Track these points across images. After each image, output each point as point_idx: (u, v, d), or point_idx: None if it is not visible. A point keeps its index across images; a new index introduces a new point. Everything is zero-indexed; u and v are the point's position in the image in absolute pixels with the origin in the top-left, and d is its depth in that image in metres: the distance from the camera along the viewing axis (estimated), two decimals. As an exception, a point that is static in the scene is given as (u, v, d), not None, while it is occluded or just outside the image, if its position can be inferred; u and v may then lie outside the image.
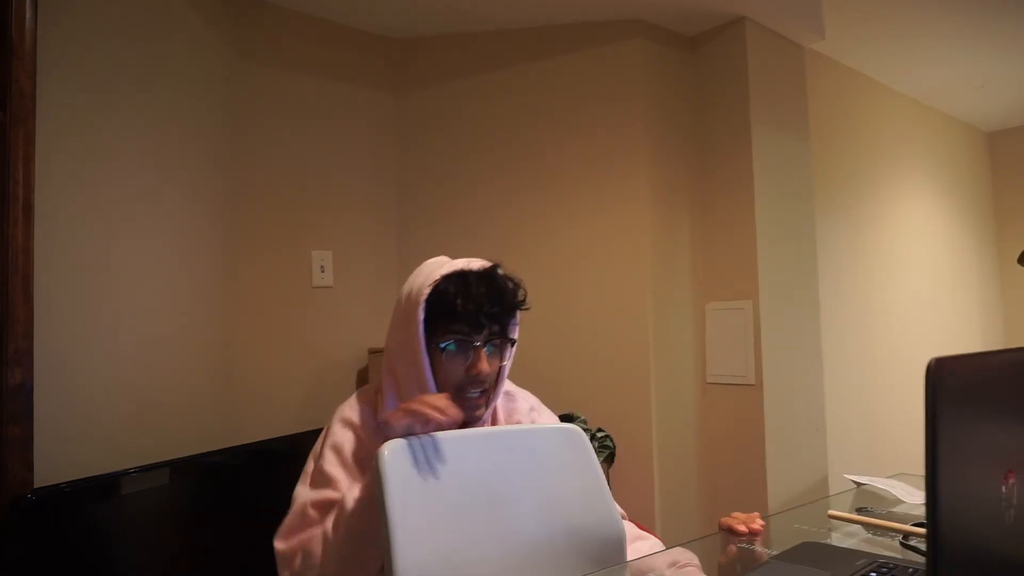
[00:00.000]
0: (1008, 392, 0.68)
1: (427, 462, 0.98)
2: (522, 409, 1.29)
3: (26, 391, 1.40)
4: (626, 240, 2.27)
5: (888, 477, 1.50)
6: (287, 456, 1.91)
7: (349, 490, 1.05)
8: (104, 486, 1.45)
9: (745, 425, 2.25)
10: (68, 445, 1.50)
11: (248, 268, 2.12)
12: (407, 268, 2.53)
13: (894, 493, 1.37)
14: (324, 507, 1.09)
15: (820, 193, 2.80)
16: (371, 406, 1.20)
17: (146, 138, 1.76)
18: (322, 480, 1.12)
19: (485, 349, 1.14)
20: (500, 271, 1.21)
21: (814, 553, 1.02)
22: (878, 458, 3.04)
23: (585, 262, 2.34)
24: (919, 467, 0.64)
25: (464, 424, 1.13)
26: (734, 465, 2.28)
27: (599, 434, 2.05)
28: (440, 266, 1.18)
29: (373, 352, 2.28)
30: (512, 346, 1.20)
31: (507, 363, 1.20)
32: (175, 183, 1.85)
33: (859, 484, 1.47)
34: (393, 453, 0.95)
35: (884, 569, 0.91)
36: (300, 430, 2.11)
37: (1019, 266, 3.33)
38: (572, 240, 2.36)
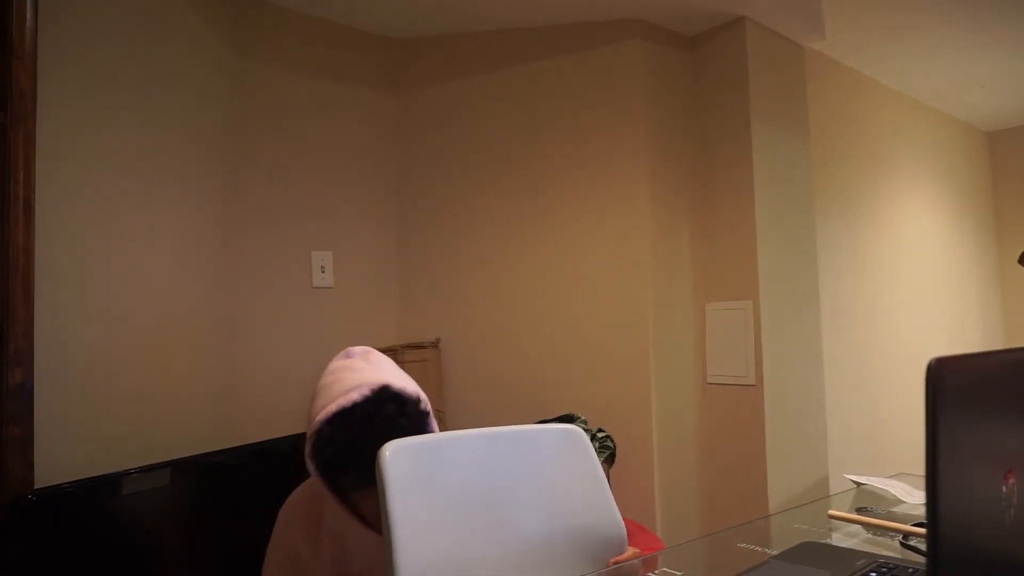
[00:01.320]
0: (1008, 392, 0.68)
1: (428, 463, 0.98)
2: None
3: (26, 391, 1.40)
4: (626, 240, 2.27)
5: (888, 477, 1.50)
6: (288, 456, 1.91)
7: None
8: (104, 486, 1.45)
9: (745, 425, 2.25)
10: (68, 445, 1.50)
11: (248, 268, 2.12)
12: (407, 268, 2.55)
13: (894, 493, 1.37)
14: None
15: (820, 193, 2.80)
16: (317, 520, 1.19)
17: (146, 138, 1.76)
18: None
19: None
20: (390, 389, 1.10)
21: (814, 553, 1.02)
22: (878, 458, 3.04)
23: (585, 262, 2.34)
24: (919, 467, 0.64)
25: None
26: (734, 465, 2.28)
27: (599, 434, 2.05)
28: (323, 406, 1.09)
29: (373, 352, 2.28)
30: (428, 429, 1.14)
31: None
32: (175, 183, 1.85)
33: (859, 484, 1.47)
34: (394, 454, 0.95)
35: (884, 569, 0.91)
36: (300, 430, 2.11)
37: (1019, 266, 3.33)
38: (572, 239, 2.36)
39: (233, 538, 1.66)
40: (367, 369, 1.12)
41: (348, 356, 1.18)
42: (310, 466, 1.09)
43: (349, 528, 1.12)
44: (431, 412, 1.15)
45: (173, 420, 1.78)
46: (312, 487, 1.20)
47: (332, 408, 1.07)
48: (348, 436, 1.07)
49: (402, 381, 1.13)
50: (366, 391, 1.08)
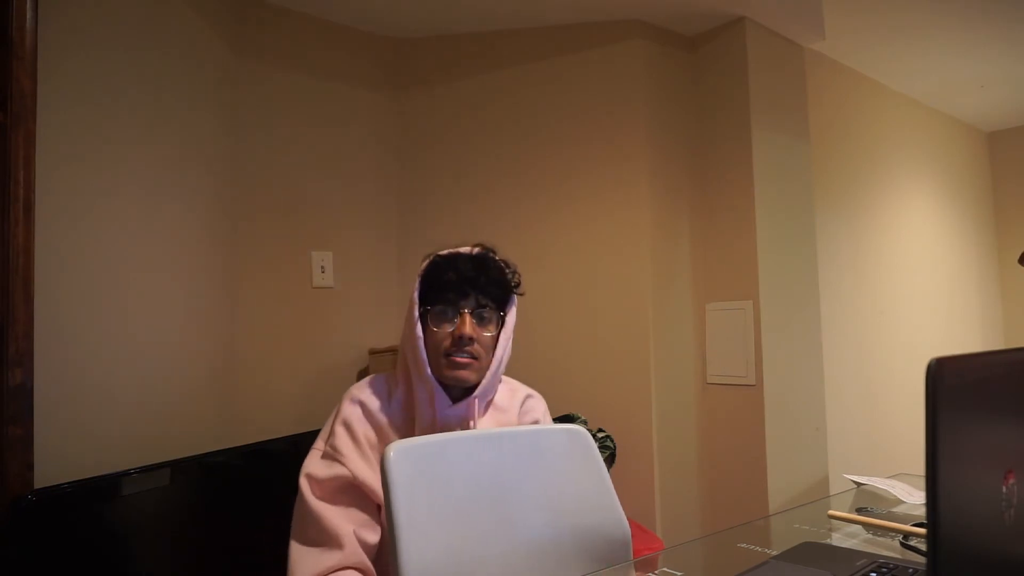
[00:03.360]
0: (1008, 392, 0.68)
1: (432, 463, 0.99)
2: (513, 401, 1.33)
3: (26, 391, 1.40)
4: (626, 240, 2.27)
5: (888, 477, 1.50)
6: (288, 457, 1.91)
7: None
8: (104, 487, 1.45)
9: (745, 425, 2.25)
10: (68, 445, 1.50)
11: (248, 268, 2.12)
12: (407, 268, 2.55)
13: (894, 493, 1.37)
14: (334, 487, 1.13)
15: (820, 193, 2.80)
16: (385, 390, 1.25)
17: (146, 138, 1.76)
18: (331, 454, 1.17)
19: (471, 315, 1.21)
20: (492, 254, 1.29)
21: (814, 553, 1.02)
22: (878, 458, 3.04)
23: (585, 262, 2.34)
24: (919, 467, 0.64)
25: (450, 384, 1.19)
26: (734, 465, 2.28)
27: (599, 434, 2.05)
28: (442, 250, 1.29)
29: (373, 352, 2.28)
30: (504, 320, 1.26)
31: (499, 335, 1.25)
32: (175, 183, 1.85)
33: (859, 484, 1.47)
34: (399, 454, 0.95)
35: (884, 569, 0.91)
36: (301, 431, 2.11)
37: (1019, 266, 3.33)
38: (572, 239, 2.36)
39: (233, 538, 1.66)
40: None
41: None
42: (416, 286, 1.24)
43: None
44: (519, 289, 1.31)
45: (173, 420, 1.78)
46: (378, 379, 1.29)
47: (445, 252, 1.26)
48: (452, 267, 1.23)
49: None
50: (479, 247, 1.29)
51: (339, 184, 2.36)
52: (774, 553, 1.03)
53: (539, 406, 1.37)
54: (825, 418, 2.47)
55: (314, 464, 1.17)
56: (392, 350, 2.18)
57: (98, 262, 1.61)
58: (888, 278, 3.26)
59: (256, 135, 2.17)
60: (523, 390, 1.36)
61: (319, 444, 1.22)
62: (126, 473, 1.49)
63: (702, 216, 2.40)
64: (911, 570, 0.91)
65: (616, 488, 1.15)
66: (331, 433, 1.20)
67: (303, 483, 1.16)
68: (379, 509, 1.14)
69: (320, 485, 1.14)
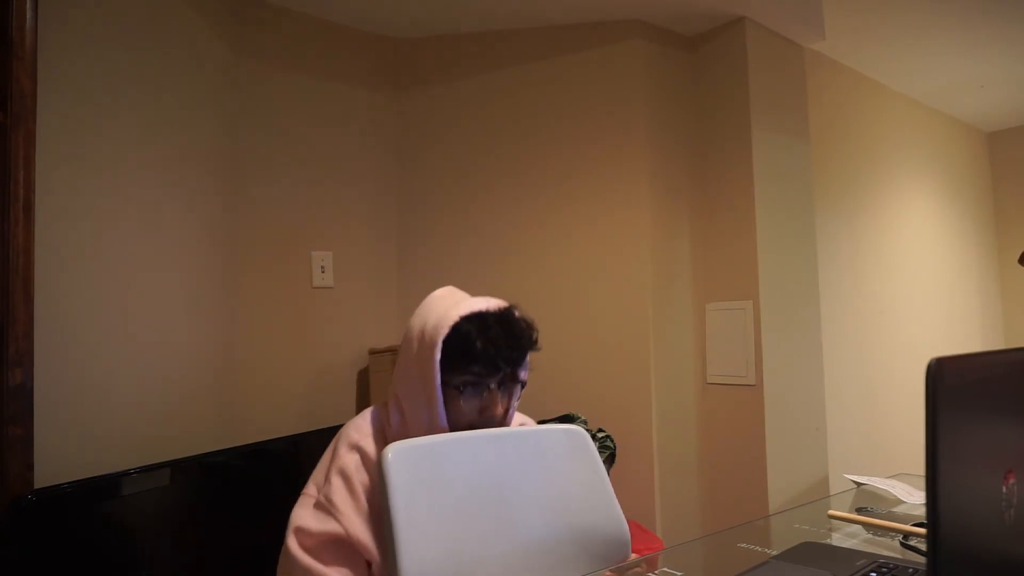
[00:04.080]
0: (1008, 392, 0.68)
1: (431, 463, 0.98)
2: None
3: (26, 391, 1.40)
4: (626, 240, 2.27)
5: (888, 477, 1.50)
6: (288, 456, 1.91)
7: None
8: (104, 487, 1.45)
9: (745, 425, 2.25)
10: (68, 445, 1.50)
11: (248, 269, 2.12)
12: (407, 269, 2.55)
13: (894, 493, 1.37)
14: (324, 541, 1.07)
15: (820, 193, 2.80)
16: (382, 432, 1.17)
17: (146, 137, 1.76)
18: (325, 506, 1.09)
19: (498, 391, 1.15)
20: (516, 313, 1.20)
21: (814, 553, 1.02)
22: (878, 458, 3.04)
23: (584, 262, 2.34)
24: (919, 467, 0.64)
25: None
26: (734, 465, 2.28)
27: (599, 434, 2.05)
28: (454, 304, 1.16)
29: (373, 352, 2.28)
30: (521, 388, 1.21)
31: (515, 403, 1.21)
32: (175, 183, 1.85)
33: (859, 484, 1.47)
34: (397, 455, 0.95)
35: (884, 569, 0.91)
36: (301, 430, 2.11)
37: (1019, 266, 3.33)
38: (572, 239, 2.36)
39: (233, 538, 1.66)
40: (481, 299, 1.20)
41: (448, 289, 1.24)
42: (437, 354, 1.10)
43: None
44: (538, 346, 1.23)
45: (173, 420, 1.78)
46: (374, 420, 1.20)
47: (465, 310, 1.13)
48: (482, 334, 1.12)
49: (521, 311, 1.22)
50: (502, 304, 1.18)
51: (339, 184, 2.36)
52: (774, 553, 1.03)
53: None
54: (825, 418, 2.47)
55: (306, 516, 1.10)
56: (392, 350, 2.18)
57: (98, 262, 1.61)
58: (888, 278, 3.26)
59: (256, 135, 2.17)
60: (518, 417, 1.32)
61: (311, 490, 1.15)
62: (126, 473, 1.49)
63: (702, 216, 2.40)
64: (911, 570, 0.91)
65: (616, 488, 1.15)
66: (327, 481, 1.12)
67: (292, 539, 1.09)
68: (369, 566, 1.08)
69: (310, 538, 1.08)
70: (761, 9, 2.28)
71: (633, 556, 1.15)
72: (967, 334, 3.78)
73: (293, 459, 1.92)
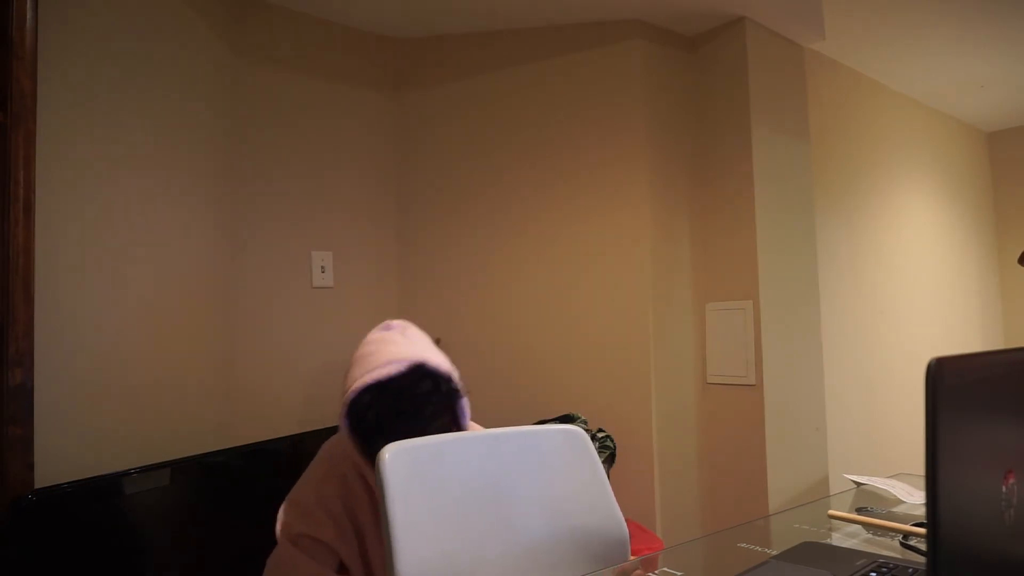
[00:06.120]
0: (1008, 392, 0.68)
1: (428, 464, 0.98)
2: None
3: (26, 391, 1.40)
4: (626, 240, 2.27)
5: (888, 477, 1.49)
6: (288, 457, 1.91)
7: None
8: (104, 486, 1.45)
9: (745, 425, 2.25)
10: (68, 445, 1.50)
11: (248, 268, 2.12)
12: (407, 268, 2.55)
13: (894, 493, 1.37)
14: (308, 544, 1.17)
15: (820, 193, 2.80)
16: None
17: (146, 137, 1.76)
18: (305, 514, 1.19)
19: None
20: (428, 366, 1.16)
21: (814, 553, 1.02)
22: (878, 458, 3.04)
23: (585, 262, 2.34)
24: (919, 467, 0.64)
25: None
26: (734, 465, 2.28)
27: (599, 434, 2.05)
28: (366, 369, 1.14)
29: (373, 352, 2.28)
30: (459, 407, 1.20)
31: (463, 417, 1.20)
32: (175, 182, 1.85)
33: (859, 484, 1.47)
34: (394, 455, 0.95)
35: (884, 569, 0.91)
36: (301, 431, 2.11)
37: (1019, 266, 3.33)
38: (572, 239, 2.36)
39: (233, 538, 1.66)
40: (404, 344, 1.17)
41: (387, 328, 1.23)
42: (344, 430, 1.15)
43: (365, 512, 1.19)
44: (462, 391, 1.20)
45: (173, 420, 1.78)
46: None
47: (369, 379, 1.12)
48: (383, 406, 1.12)
49: (437, 359, 1.18)
50: (403, 366, 1.14)
51: (339, 184, 2.36)
52: (774, 553, 1.03)
53: None
54: (825, 418, 2.47)
55: (288, 518, 1.21)
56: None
57: (98, 262, 1.62)
58: (888, 278, 3.25)
59: (256, 135, 2.17)
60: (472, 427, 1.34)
61: (294, 495, 1.25)
62: (126, 473, 1.49)
63: (702, 216, 2.40)
64: (911, 570, 0.91)
65: (616, 488, 1.15)
66: (304, 489, 1.22)
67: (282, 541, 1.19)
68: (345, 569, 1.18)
69: (291, 533, 1.18)
70: (761, 9, 2.28)
71: (632, 557, 1.15)
72: (967, 334, 3.78)
73: (293, 459, 1.92)
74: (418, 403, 1.15)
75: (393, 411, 1.13)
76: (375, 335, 1.22)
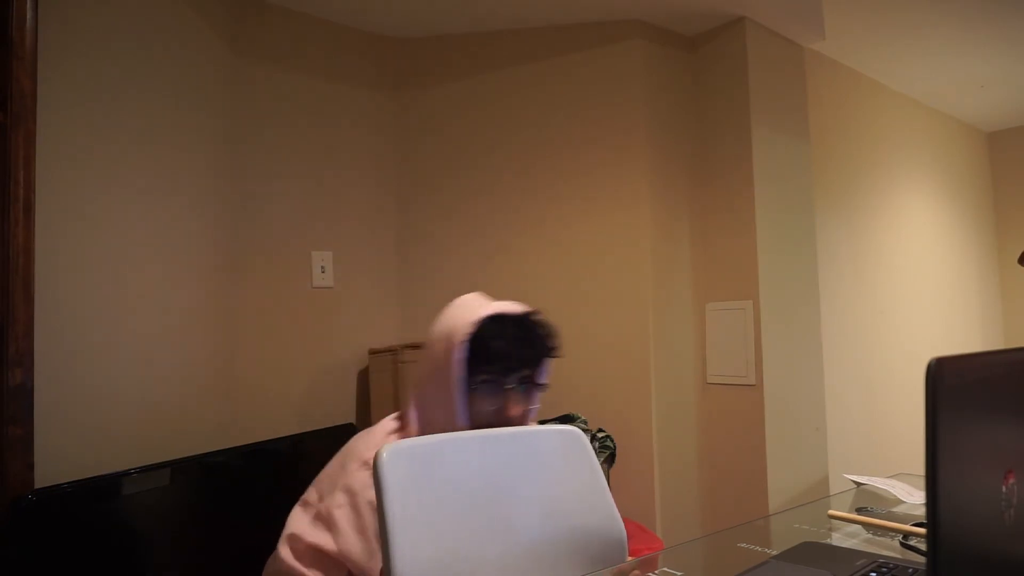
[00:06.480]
0: (1008, 392, 0.68)
1: (427, 464, 0.98)
2: None
3: (26, 391, 1.40)
4: (626, 240, 2.27)
5: (888, 477, 1.49)
6: (288, 456, 1.91)
7: None
8: (104, 486, 1.45)
9: (745, 425, 2.25)
10: (68, 445, 1.50)
11: (248, 268, 2.12)
12: (407, 268, 2.55)
13: (894, 493, 1.37)
14: (315, 555, 1.09)
15: (820, 193, 2.80)
16: None
17: (146, 138, 1.76)
18: (325, 519, 1.10)
19: (515, 391, 1.17)
20: (536, 317, 1.24)
21: (814, 553, 1.02)
22: (878, 458, 3.04)
23: (585, 262, 2.34)
24: (919, 467, 0.64)
25: None
26: (734, 465, 2.28)
27: (599, 434, 2.05)
28: (479, 307, 1.20)
29: (373, 352, 2.28)
30: (541, 391, 1.23)
31: (535, 407, 1.23)
32: (175, 183, 1.85)
33: (859, 484, 1.47)
34: (392, 455, 0.95)
35: (884, 569, 0.91)
36: (301, 430, 2.11)
37: (1019, 266, 3.33)
38: (572, 239, 2.36)
39: (233, 538, 1.66)
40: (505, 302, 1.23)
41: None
42: (457, 353, 1.13)
43: None
44: (560, 352, 1.26)
45: (173, 420, 1.78)
46: (384, 433, 1.21)
47: (487, 312, 1.17)
48: (500, 335, 1.15)
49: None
50: (521, 308, 1.22)
51: (339, 184, 2.36)
52: (774, 553, 1.03)
53: None
54: (825, 418, 2.47)
55: (302, 524, 1.12)
56: (391, 350, 2.18)
57: (98, 262, 1.62)
58: (888, 278, 3.25)
59: (256, 135, 2.17)
60: None
61: (312, 497, 1.16)
62: (126, 473, 1.49)
63: (702, 216, 2.40)
64: (911, 570, 0.91)
65: (616, 488, 1.15)
66: (331, 495, 1.12)
67: (284, 547, 1.11)
68: None
69: (300, 543, 1.10)
70: (761, 9, 2.28)
71: (631, 557, 1.15)
72: (967, 334, 3.78)
73: (293, 459, 1.92)
74: (537, 336, 1.19)
75: (518, 339, 1.16)
76: (467, 297, 1.25)
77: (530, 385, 1.20)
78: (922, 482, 0.75)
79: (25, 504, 1.31)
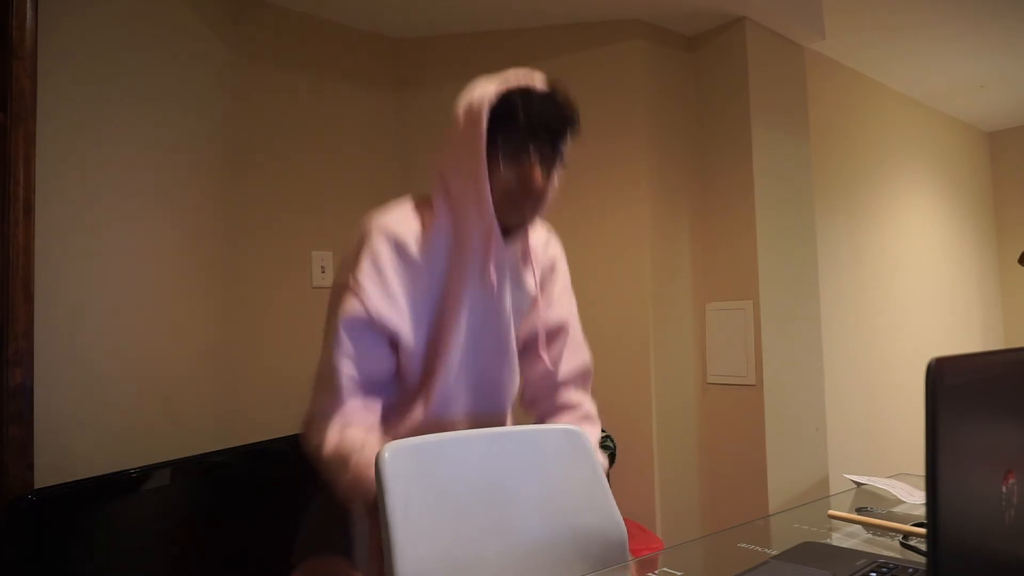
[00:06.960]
0: (1008, 392, 0.68)
1: (428, 462, 0.98)
2: (539, 240, 1.35)
3: (26, 391, 1.40)
4: (626, 240, 2.27)
5: (888, 477, 1.49)
6: (288, 456, 1.91)
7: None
8: (104, 486, 1.45)
9: (745, 425, 2.25)
10: (68, 445, 1.50)
11: (248, 268, 2.12)
12: (407, 268, 2.53)
13: (894, 493, 1.37)
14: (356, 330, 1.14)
15: (820, 193, 2.80)
16: (418, 223, 1.19)
17: (146, 138, 1.76)
18: (353, 289, 1.13)
19: (538, 159, 1.16)
20: (561, 92, 1.23)
21: (814, 553, 1.02)
22: (878, 458, 3.04)
23: (585, 261, 2.33)
24: (919, 467, 0.64)
25: (506, 232, 1.17)
26: (734, 465, 2.28)
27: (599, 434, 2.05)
28: (502, 80, 1.19)
29: (373, 352, 2.28)
30: (561, 167, 1.22)
31: (554, 183, 1.21)
32: (175, 183, 1.85)
33: (859, 484, 1.47)
34: (394, 454, 0.95)
35: (884, 569, 0.91)
36: (300, 431, 2.11)
37: (1019, 266, 3.33)
38: (572, 239, 2.35)
39: (234, 538, 1.66)
40: None
41: None
42: (483, 122, 1.13)
43: None
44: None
45: (173, 420, 1.78)
46: (408, 208, 1.22)
47: (517, 83, 1.16)
48: (525, 102, 1.14)
49: None
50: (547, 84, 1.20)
51: (339, 184, 2.36)
52: (774, 553, 1.03)
53: (557, 245, 1.41)
54: (825, 418, 2.47)
55: (351, 306, 1.15)
56: (392, 350, 2.18)
57: (98, 262, 1.62)
58: (888, 278, 3.25)
59: (256, 135, 2.17)
60: (541, 226, 1.36)
61: (344, 280, 1.18)
62: (126, 473, 1.49)
63: (702, 216, 2.40)
64: (911, 570, 0.91)
65: (616, 488, 1.15)
66: (356, 264, 1.16)
67: (341, 328, 1.16)
68: (396, 348, 1.15)
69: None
70: (761, 9, 2.28)
71: (632, 557, 1.15)
72: (967, 334, 3.78)
73: (293, 459, 1.92)
74: (563, 105, 1.19)
75: (543, 106, 1.15)
76: (487, 76, 1.26)
77: (551, 156, 1.19)
78: (922, 482, 0.75)
79: (25, 504, 1.31)
